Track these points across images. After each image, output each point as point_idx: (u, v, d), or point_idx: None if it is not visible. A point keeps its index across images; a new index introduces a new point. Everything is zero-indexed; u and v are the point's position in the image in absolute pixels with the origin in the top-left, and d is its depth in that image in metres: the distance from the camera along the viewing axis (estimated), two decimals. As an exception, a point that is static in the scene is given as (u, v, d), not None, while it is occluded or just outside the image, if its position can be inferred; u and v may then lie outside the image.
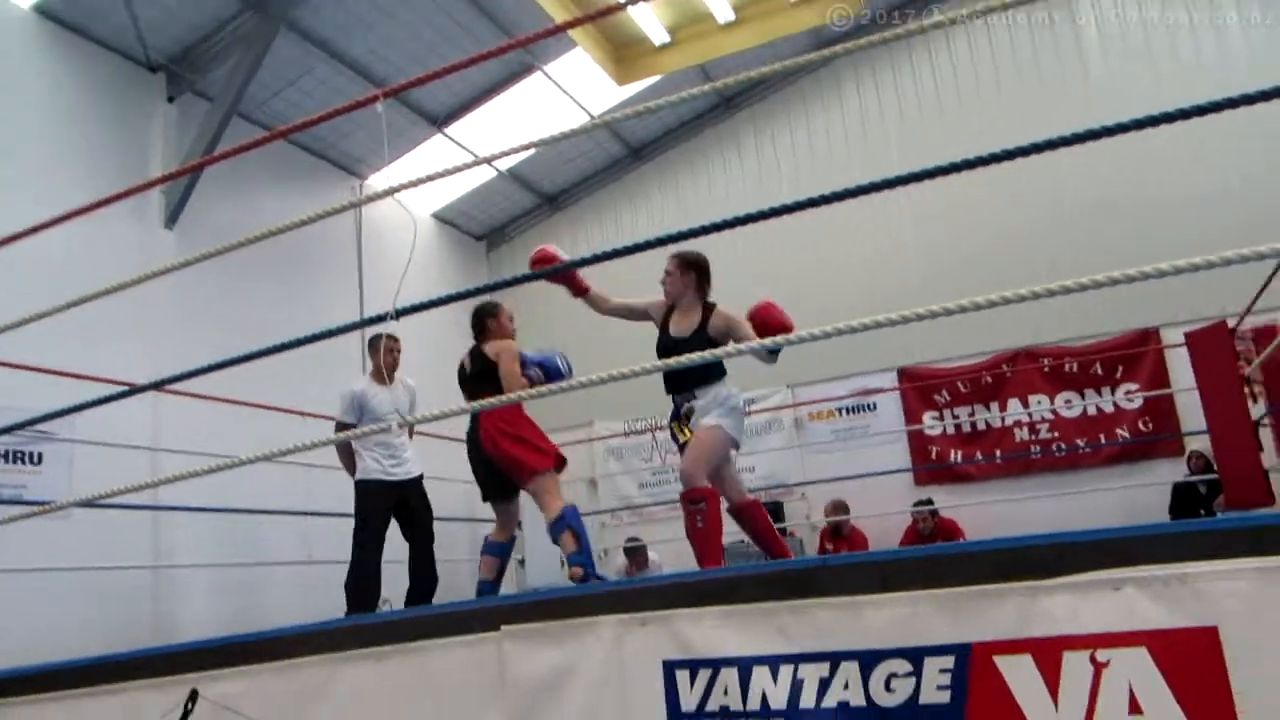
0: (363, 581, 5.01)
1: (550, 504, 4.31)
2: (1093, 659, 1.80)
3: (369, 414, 5.13)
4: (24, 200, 6.00)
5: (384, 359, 5.25)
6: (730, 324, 4.05)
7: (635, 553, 8.44)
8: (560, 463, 4.52)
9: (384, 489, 5.09)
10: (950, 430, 9.18)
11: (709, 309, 4.16)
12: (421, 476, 5.29)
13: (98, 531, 5.90)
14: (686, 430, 4.10)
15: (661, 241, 2.84)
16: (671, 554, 8.86)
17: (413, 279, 8.33)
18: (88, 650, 4.50)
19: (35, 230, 3.65)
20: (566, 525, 4.22)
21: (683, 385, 4.13)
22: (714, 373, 4.07)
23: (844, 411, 9.63)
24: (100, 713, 2.84)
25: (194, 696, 2.70)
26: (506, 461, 4.39)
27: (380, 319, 2.81)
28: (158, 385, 3.78)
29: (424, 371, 8.82)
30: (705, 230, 2.79)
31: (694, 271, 4.20)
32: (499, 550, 4.69)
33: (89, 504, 4.60)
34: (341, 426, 5.10)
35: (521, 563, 8.29)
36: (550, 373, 4.54)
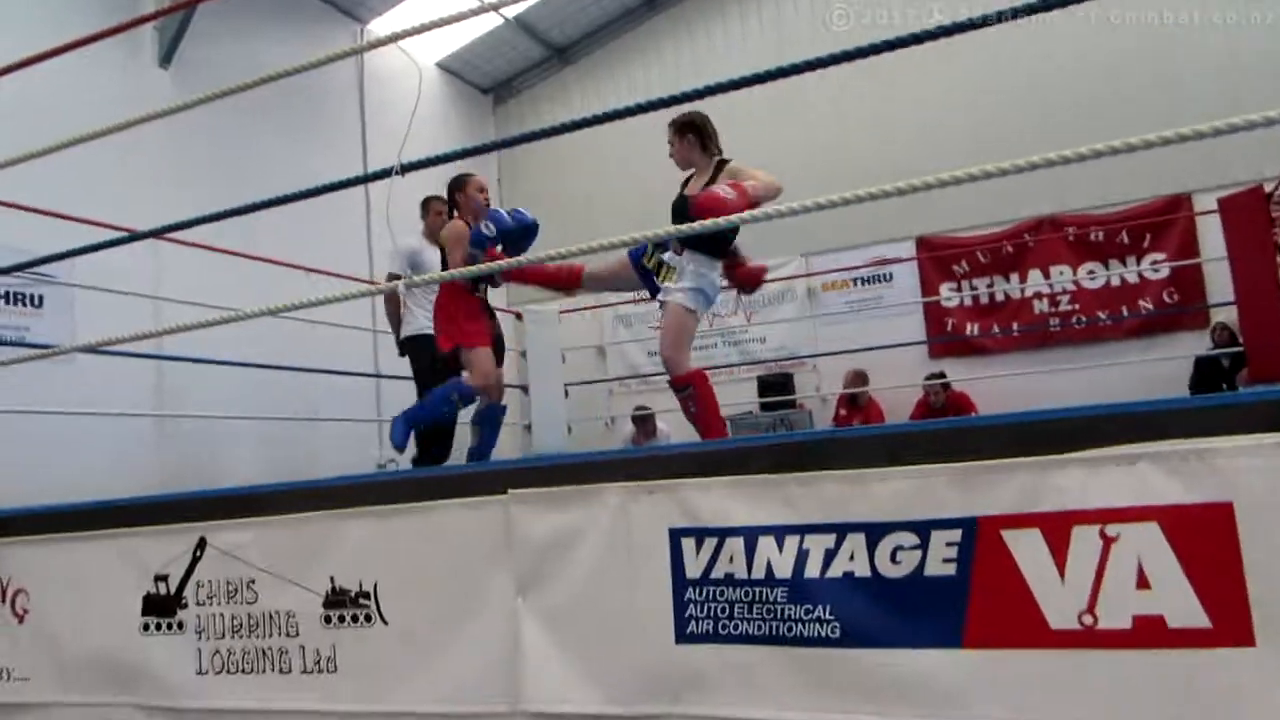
0: (434, 434, 5.26)
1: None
2: (1102, 533, 1.82)
3: (419, 271, 5.34)
4: (6, 36, 5.82)
5: (432, 220, 5.49)
6: (736, 177, 3.86)
7: (643, 421, 8.54)
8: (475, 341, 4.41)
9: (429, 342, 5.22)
10: (968, 302, 9.15)
11: (720, 166, 4.06)
12: None
13: (100, 377, 5.97)
14: (648, 263, 4.08)
15: (674, 100, 2.74)
16: (680, 424, 8.98)
17: (417, 133, 8.15)
18: (90, 492, 4.64)
19: (22, 65, 3.55)
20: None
21: (684, 242, 4.02)
22: (703, 240, 3.93)
23: (859, 282, 9.59)
24: (103, 555, 2.94)
25: (202, 544, 2.79)
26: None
27: (386, 174, 2.75)
28: (159, 232, 3.76)
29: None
30: (721, 88, 2.70)
31: (691, 133, 4.10)
32: (479, 419, 4.73)
33: (93, 349, 4.68)
34: (391, 279, 5.28)
35: (528, 428, 8.41)
36: (500, 227, 4.23)
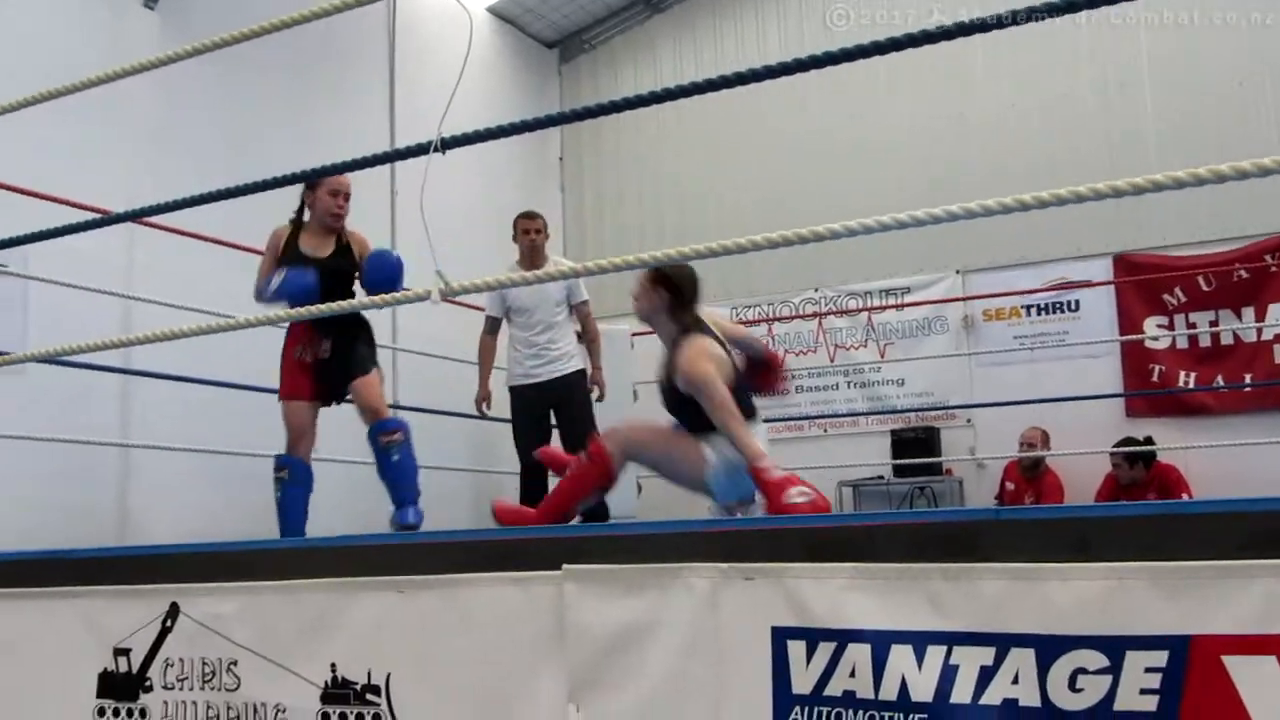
0: (528, 477, 6.09)
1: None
2: (1364, 669, 1.78)
3: (517, 310, 6.33)
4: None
5: (521, 241, 6.35)
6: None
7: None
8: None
9: (530, 393, 6.23)
10: (1183, 343, 8.95)
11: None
12: (582, 373, 6.34)
13: (58, 394, 6.18)
14: None
15: (802, 65, 2.74)
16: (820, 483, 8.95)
17: (462, 97, 8.32)
18: (36, 538, 4.80)
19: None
20: None
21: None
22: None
23: (1034, 310, 9.46)
24: (52, 618, 3.04)
25: (174, 612, 2.88)
26: None
27: (422, 150, 2.82)
28: (136, 215, 3.91)
29: (475, 220, 8.93)
30: (850, 55, 2.69)
31: (664, 288, 4.28)
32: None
33: (48, 359, 4.87)
34: (491, 323, 6.50)
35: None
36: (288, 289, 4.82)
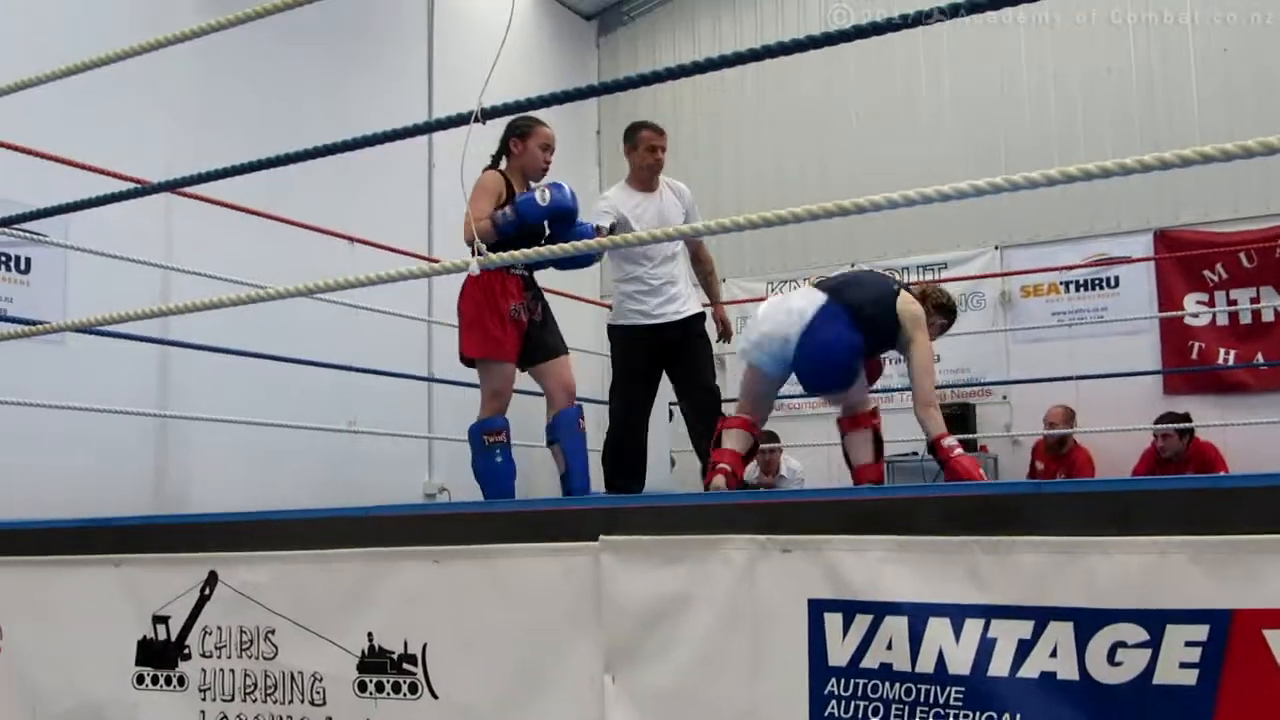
0: (617, 450, 5.38)
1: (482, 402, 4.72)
2: (1405, 645, 1.77)
3: (630, 229, 5.15)
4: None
5: (643, 158, 5.41)
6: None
7: (769, 458, 8.54)
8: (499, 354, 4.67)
9: (646, 337, 5.32)
10: (1223, 320, 8.86)
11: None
12: (703, 315, 5.53)
13: (96, 364, 6.25)
14: None
15: (848, 35, 2.72)
16: (817, 463, 8.94)
17: (500, 70, 8.33)
18: (76, 506, 4.86)
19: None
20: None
21: None
22: None
23: (1072, 286, 9.39)
24: (92, 586, 3.08)
25: (212, 580, 2.91)
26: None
27: (462, 120, 2.83)
28: (172, 186, 3.94)
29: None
30: (891, 27, 2.64)
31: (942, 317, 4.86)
32: (550, 434, 4.89)
33: (86, 329, 4.92)
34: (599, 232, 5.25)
35: (619, 457, 8.49)
36: (526, 205, 4.54)
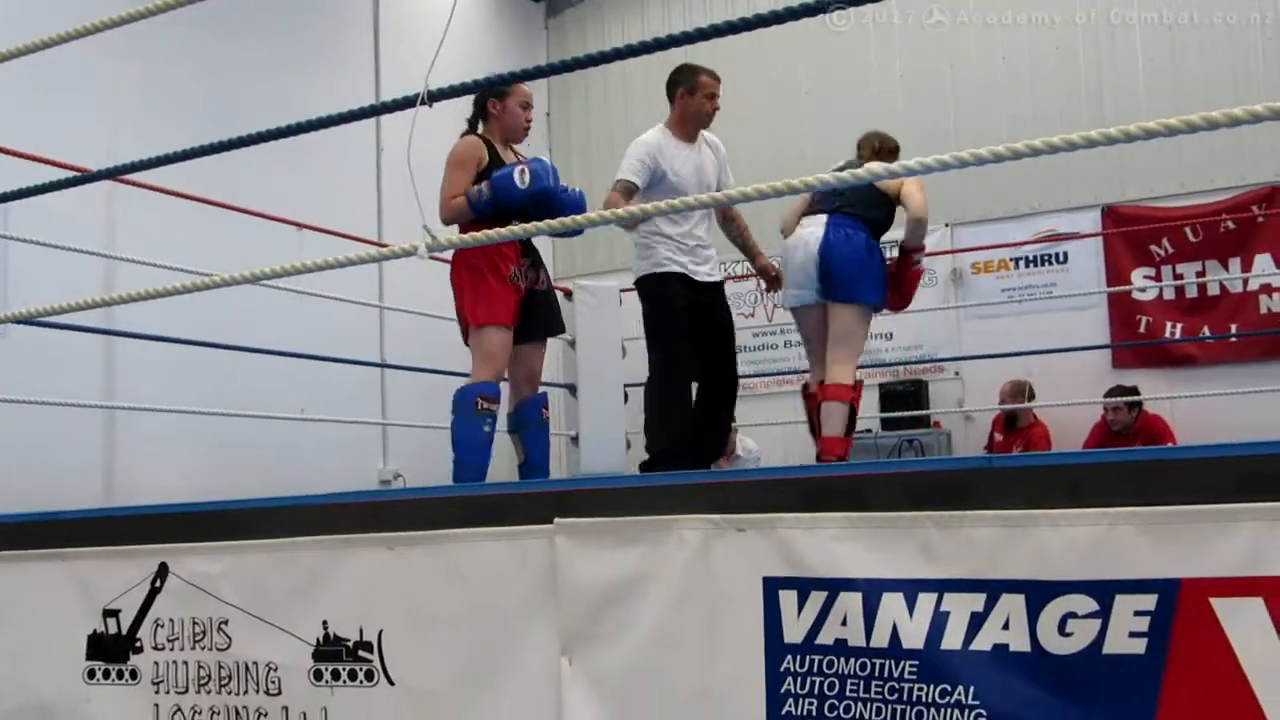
0: (669, 411, 4.89)
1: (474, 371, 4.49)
2: (1353, 610, 1.80)
3: (665, 181, 4.89)
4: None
5: (700, 105, 5.00)
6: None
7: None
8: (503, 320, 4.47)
9: (685, 289, 4.93)
10: (1170, 295, 8.97)
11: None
12: (722, 285, 5.26)
13: (40, 356, 6.16)
14: None
15: (792, 14, 2.72)
16: (774, 442, 8.98)
17: (448, 53, 8.27)
18: (22, 500, 4.79)
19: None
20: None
21: None
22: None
23: (1022, 263, 9.47)
24: (39, 581, 3.05)
25: (163, 572, 2.88)
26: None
27: (409, 103, 2.81)
28: (113, 173, 3.89)
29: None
30: (840, 4, 2.65)
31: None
32: (512, 421, 4.75)
33: (28, 320, 4.84)
34: (627, 192, 4.86)
35: (575, 440, 8.48)
36: (502, 186, 4.34)
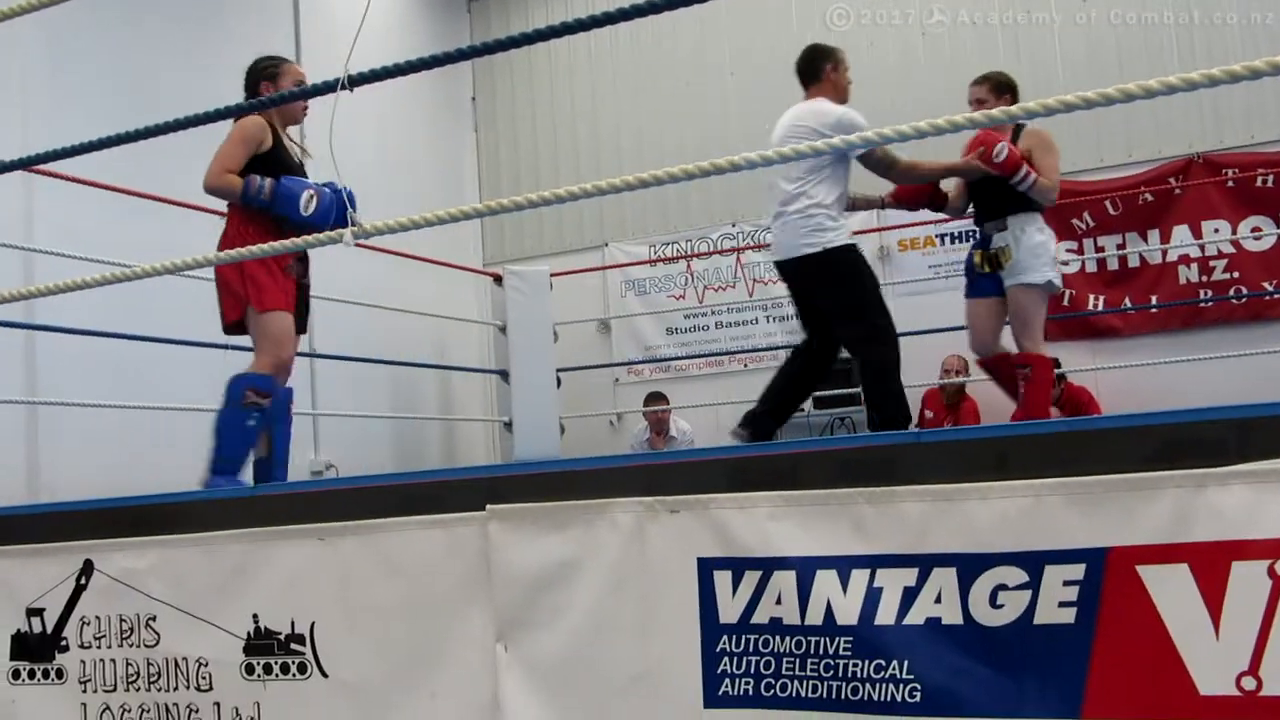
0: (893, 374, 4.87)
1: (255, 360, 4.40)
2: (1272, 572, 1.82)
3: (846, 157, 4.99)
4: None
5: (845, 77, 5.18)
6: (1036, 145, 5.06)
7: (657, 415, 8.59)
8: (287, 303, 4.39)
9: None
10: (1091, 267, 9.10)
11: (1017, 130, 5.13)
12: None
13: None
14: (987, 266, 5.14)
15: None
16: (706, 423, 9.01)
17: (370, 38, 8.17)
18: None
19: None
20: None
21: (992, 212, 5.14)
22: (1027, 201, 5.05)
23: (948, 239, 9.55)
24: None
25: (88, 569, 2.83)
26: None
27: (329, 88, 2.76)
28: (25, 164, 3.78)
29: (387, 163, 8.80)
30: None
31: (1010, 95, 5.17)
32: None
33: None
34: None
35: (508, 426, 8.46)
36: (283, 203, 4.28)
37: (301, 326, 4.61)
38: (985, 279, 5.19)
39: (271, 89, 4.41)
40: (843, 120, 4.80)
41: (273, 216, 4.30)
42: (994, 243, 5.11)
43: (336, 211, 4.32)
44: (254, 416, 4.28)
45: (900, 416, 4.82)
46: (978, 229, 5.32)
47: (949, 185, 5.41)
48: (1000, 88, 5.21)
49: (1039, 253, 5.04)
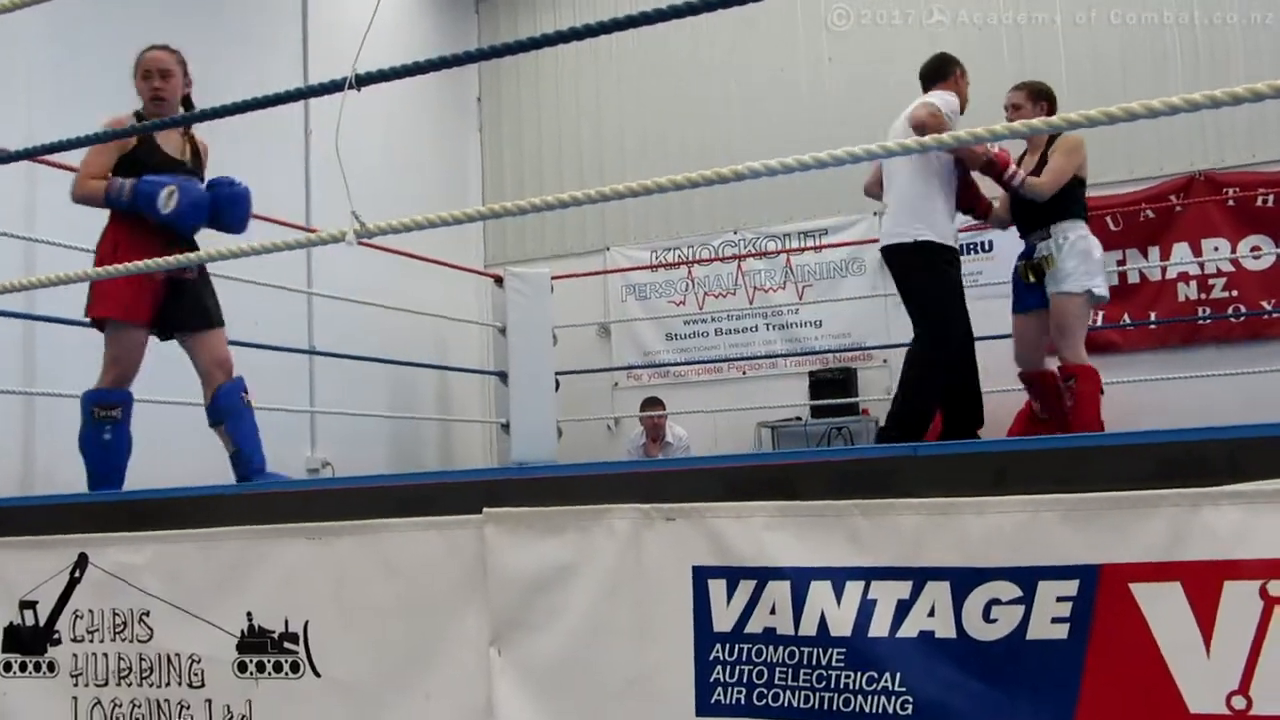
0: (953, 382, 5.15)
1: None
2: (1264, 592, 1.83)
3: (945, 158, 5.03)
4: None
5: (966, 87, 5.34)
6: (1060, 144, 5.11)
7: (653, 421, 8.59)
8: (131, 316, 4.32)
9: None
10: (1091, 283, 9.11)
11: (1053, 138, 5.17)
12: None
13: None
14: (1031, 275, 5.23)
15: (708, 5, 2.71)
16: (703, 430, 9.01)
17: (377, 38, 8.17)
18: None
19: None
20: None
21: (1036, 221, 5.19)
22: (1070, 208, 5.11)
23: (964, 249, 9.55)
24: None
25: (83, 563, 2.82)
26: None
27: (336, 87, 2.76)
28: (30, 154, 3.78)
29: (392, 162, 8.80)
30: None
31: (1046, 102, 5.24)
32: (211, 415, 4.56)
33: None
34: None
35: (505, 428, 8.46)
36: (144, 200, 4.17)
37: (186, 324, 4.49)
38: (1030, 294, 5.29)
39: (139, 81, 4.37)
40: (943, 100, 4.97)
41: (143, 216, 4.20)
42: (1038, 251, 5.17)
43: (217, 206, 4.30)
44: (107, 430, 4.33)
45: (908, 435, 4.86)
46: (1023, 242, 5.40)
47: (995, 196, 5.50)
48: (1037, 95, 5.30)
49: (1083, 260, 5.06)
